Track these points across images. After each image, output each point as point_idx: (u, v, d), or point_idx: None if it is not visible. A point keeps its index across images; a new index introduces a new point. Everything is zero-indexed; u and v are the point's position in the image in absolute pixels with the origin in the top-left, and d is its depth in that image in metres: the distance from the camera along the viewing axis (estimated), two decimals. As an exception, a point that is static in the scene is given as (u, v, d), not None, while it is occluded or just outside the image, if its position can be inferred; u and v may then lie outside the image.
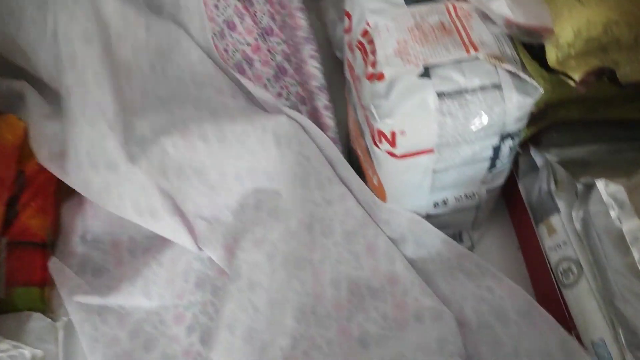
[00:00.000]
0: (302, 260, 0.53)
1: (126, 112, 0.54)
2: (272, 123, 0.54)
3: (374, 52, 0.45)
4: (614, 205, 0.42)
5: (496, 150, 0.47)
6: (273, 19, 0.60)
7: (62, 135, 0.55)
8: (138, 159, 0.53)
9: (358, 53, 0.48)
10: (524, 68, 0.46)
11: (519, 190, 0.55)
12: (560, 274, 0.49)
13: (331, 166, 0.56)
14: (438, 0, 0.47)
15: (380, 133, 0.45)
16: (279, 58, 0.60)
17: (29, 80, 0.60)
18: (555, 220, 0.50)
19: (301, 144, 0.55)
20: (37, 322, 0.54)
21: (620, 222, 0.42)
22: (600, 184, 0.43)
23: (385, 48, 0.45)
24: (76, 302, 0.54)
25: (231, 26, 0.61)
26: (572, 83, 0.44)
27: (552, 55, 0.45)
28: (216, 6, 0.60)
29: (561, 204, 0.49)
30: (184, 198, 0.55)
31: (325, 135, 0.55)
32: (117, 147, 0.52)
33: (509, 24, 0.44)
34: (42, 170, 0.57)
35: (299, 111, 0.58)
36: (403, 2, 0.47)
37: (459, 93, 0.43)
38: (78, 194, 0.57)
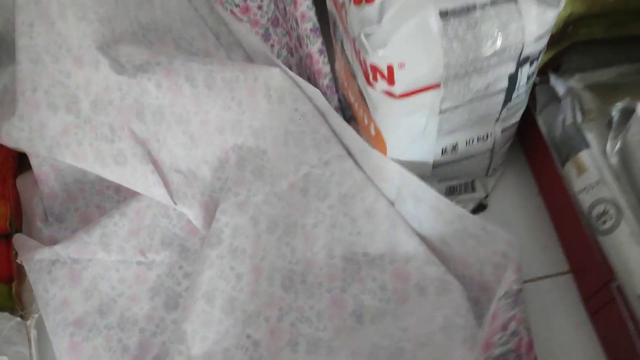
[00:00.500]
0: (293, 225, 0.52)
1: (97, 41, 0.52)
2: (265, 74, 0.54)
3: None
4: (661, 131, 0.41)
5: (512, 79, 0.44)
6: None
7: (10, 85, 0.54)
8: (108, 95, 0.52)
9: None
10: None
11: (537, 127, 0.53)
12: (594, 220, 0.47)
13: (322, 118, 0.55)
14: None
15: (375, 69, 0.42)
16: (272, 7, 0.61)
17: None
18: (584, 156, 0.48)
19: (296, 99, 0.54)
20: (3, 322, 0.51)
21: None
22: (641, 108, 0.41)
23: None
24: (32, 261, 0.53)
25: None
26: None
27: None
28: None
29: (591, 137, 0.48)
30: (159, 146, 0.54)
31: (311, 86, 0.54)
32: (82, 84, 0.51)
33: None
34: (-2, 151, 0.55)
35: (289, 64, 0.59)
36: None
37: (467, 10, 0.40)
38: (29, 172, 0.55)
